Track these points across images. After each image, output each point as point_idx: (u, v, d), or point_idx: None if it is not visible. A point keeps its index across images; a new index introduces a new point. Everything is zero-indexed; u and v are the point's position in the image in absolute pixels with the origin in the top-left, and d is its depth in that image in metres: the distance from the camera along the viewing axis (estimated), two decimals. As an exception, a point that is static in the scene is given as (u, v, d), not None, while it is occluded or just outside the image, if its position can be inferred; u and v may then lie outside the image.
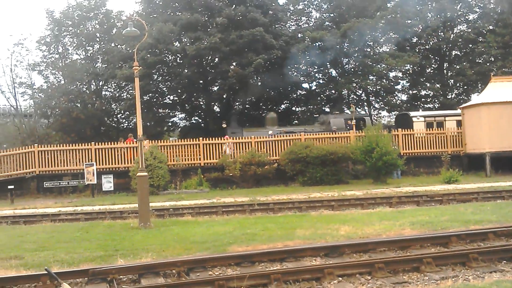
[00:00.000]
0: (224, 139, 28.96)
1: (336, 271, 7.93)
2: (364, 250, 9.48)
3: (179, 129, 43.77)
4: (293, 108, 44.73)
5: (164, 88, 40.75)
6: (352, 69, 43.22)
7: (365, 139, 26.52)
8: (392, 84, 42.96)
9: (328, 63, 43.11)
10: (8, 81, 45.67)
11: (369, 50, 43.12)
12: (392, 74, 43.04)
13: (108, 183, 26.58)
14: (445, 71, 43.83)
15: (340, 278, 7.84)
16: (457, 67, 42.61)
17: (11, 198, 24.15)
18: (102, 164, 27.50)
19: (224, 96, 40.69)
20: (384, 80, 40.90)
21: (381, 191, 21.27)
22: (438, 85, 42.44)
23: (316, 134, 29.84)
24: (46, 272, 7.43)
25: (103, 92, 42.84)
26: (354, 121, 31.34)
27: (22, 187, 27.06)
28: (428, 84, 42.80)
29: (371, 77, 40.88)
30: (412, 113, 34.03)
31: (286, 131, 31.70)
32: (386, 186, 23.87)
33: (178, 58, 39.38)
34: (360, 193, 20.92)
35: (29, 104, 42.60)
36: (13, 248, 11.17)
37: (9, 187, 24.51)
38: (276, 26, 40.92)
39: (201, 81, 39.43)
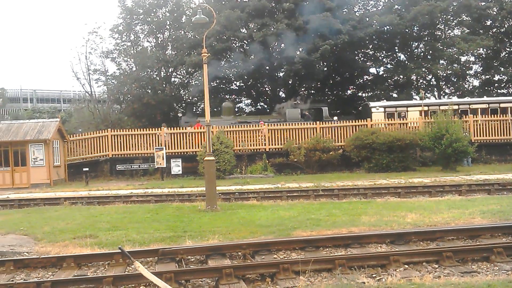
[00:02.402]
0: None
1: (402, 259, 7.84)
2: (432, 238, 9.31)
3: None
4: (359, 94, 44.03)
5: (231, 75, 41.20)
6: (422, 53, 41.99)
7: (434, 126, 25.82)
8: (464, 69, 41.34)
9: (396, 47, 42.09)
10: (83, 68, 47.64)
11: (439, 33, 41.73)
12: (463, 59, 41.49)
13: (176, 167, 27.34)
14: (521, 55, 41.70)
15: (406, 266, 7.74)
16: (535, 50, 40.47)
17: (86, 180, 25.34)
18: (171, 149, 28.29)
19: (290, 82, 40.63)
20: (456, 65, 39.43)
21: (450, 179, 20.67)
22: (513, 70, 40.49)
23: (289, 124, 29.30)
24: (120, 251, 7.76)
25: (172, 79, 43.86)
26: (306, 111, 31.32)
27: (96, 170, 28.36)
28: (502, 69, 40.85)
29: (441, 62, 39.57)
30: (372, 103, 32.72)
31: (241, 121, 31.22)
32: (456, 173, 23.18)
33: (245, 45, 39.64)
34: (428, 181, 20.44)
35: (103, 90, 44.25)
36: (88, 227, 11.75)
37: (84, 169, 25.77)
38: (344, 10, 40.28)
39: (267, 67, 39.53)
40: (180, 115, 33.82)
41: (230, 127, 28.91)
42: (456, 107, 30.73)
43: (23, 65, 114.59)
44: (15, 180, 25.99)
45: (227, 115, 32.86)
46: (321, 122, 29.47)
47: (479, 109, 31.10)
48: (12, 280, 7.71)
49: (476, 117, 29.77)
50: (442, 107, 30.45)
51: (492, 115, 30.00)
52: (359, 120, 29.37)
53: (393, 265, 7.70)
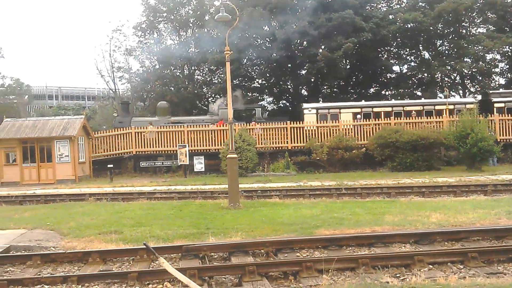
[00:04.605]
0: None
1: (427, 259, 7.76)
2: (457, 238, 9.19)
3: (267, 112, 44.18)
4: (383, 92, 43.69)
5: (253, 72, 41.24)
6: (446, 51, 41.51)
7: (459, 124, 25.50)
8: (489, 66, 40.71)
9: (420, 45, 41.67)
10: (107, 66, 48.26)
11: (464, 31, 41.16)
12: (489, 57, 40.83)
13: (199, 164, 27.49)
14: (548, 52, 40.90)
15: (431, 266, 7.67)
16: (563, 47, 39.63)
17: (110, 176, 25.61)
18: (194, 146, 28.44)
19: (312, 80, 40.52)
20: (481, 63, 38.84)
21: (476, 179, 20.40)
22: (540, 68, 39.77)
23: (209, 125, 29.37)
24: (144, 247, 7.85)
25: (195, 77, 44.05)
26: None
27: (120, 166, 28.65)
28: (529, 67, 40.18)
29: (466, 60, 39.02)
30: (305, 105, 31.82)
31: (174, 122, 30.91)
32: (481, 173, 22.87)
33: (267, 42, 39.63)
34: (452, 180, 20.19)
35: (127, 87, 44.73)
36: (113, 223, 11.88)
37: (109, 166, 26.05)
38: (367, 8, 40.01)
39: (289, 65, 39.49)
40: (115, 114, 33.53)
41: (168, 127, 29.22)
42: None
43: (49, 62, 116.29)
44: (41, 176, 26.40)
45: (162, 115, 32.44)
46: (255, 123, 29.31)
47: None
48: (39, 274, 7.86)
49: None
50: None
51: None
52: (292, 123, 29.12)
53: (417, 265, 7.63)
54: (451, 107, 29.84)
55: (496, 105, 30.26)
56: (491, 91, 33.64)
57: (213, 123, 29.91)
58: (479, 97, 34.16)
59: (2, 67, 61.33)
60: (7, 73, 77.93)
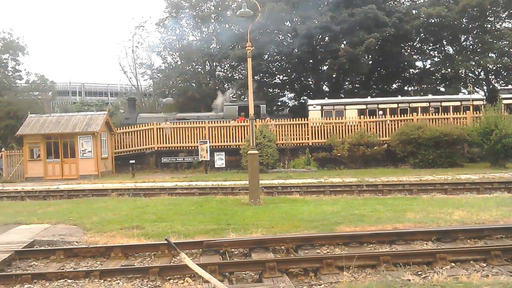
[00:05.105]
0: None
1: (449, 257, 7.68)
2: (480, 236, 9.09)
3: (288, 108, 44.09)
4: (405, 88, 43.20)
5: (274, 68, 41.14)
6: (471, 46, 40.82)
7: (482, 121, 25.14)
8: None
9: (444, 40, 41.10)
10: (130, 62, 48.57)
11: (489, 26, 40.42)
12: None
13: (220, 160, 27.58)
14: None
15: (453, 264, 7.58)
16: None
17: (133, 172, 25.90)
18: (215, 142, 28.53)
19: (334, 76, 40.27)
20: (506, 58, 38.12)
21: (499, 176, 20.13)
22: None
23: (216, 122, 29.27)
24: (166, 242, 7.92)
25: (217, 72, 44.12)
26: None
27: (142, 162, 28.92)
28: (555, 62, 39.20)
29: (491, 55, 38.35)
30: (309, 101, 31.32)
31: (179, 118, 30.85)
32: (505, 170, 22.58)
33: (288, 38, 39.49)
34: (476, 177, 19.92)
35: (149, 83, 44.97)
36: (135, 218, 11.98)
37: (131, 161, 26.35)
38: (389, 2, 39.60)
39: (311, 61, 39.29)
40: (121, 111, 33.63)
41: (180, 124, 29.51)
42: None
43: (72, 59, 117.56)
44: (65, 171, 26.81)
45: (168, 111, 32.53)
46: (260, 120, 28.97)
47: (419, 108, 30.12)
48: (63, 269, 7.97)
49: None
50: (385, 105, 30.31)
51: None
52: (294, 119, 29.08)
53: (440, 262, 7.55)
54: (458, 103, 29.38)
55: (504, 101, 29.68)
56: (499, 87, 33.06)
57: (218, 120, 30.06)
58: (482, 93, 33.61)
59: (27, 64, 62.35)
60: (31, 70, 79.16)
